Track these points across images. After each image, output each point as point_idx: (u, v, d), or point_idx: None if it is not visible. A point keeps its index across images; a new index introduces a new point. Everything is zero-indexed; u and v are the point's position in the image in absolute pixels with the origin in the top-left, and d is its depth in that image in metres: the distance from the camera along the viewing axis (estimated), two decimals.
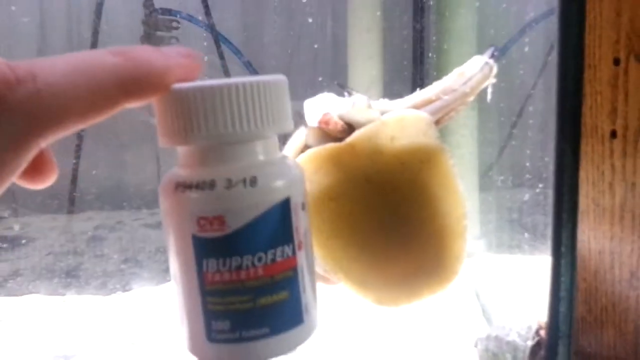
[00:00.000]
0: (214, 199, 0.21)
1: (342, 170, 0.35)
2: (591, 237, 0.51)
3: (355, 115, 0.35)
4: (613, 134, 0.47)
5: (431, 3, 0.67)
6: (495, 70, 0.34)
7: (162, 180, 0.22)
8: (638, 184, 0.45)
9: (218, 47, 0.91)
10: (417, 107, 0.34)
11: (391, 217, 0.35)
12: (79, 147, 1.13)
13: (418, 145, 0.35)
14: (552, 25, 0.56)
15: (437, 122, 0.34)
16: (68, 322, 0.69)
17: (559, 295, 0.36)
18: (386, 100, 0.35)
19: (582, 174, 0.50)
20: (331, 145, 0.34)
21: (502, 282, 0.50)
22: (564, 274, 0.36)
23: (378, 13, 0.62)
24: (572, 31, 0.49)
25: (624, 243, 0.47)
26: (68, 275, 0.91)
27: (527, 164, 0.80)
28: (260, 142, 0.22)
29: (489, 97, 0.35)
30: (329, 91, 0.36)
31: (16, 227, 1.07)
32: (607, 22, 0.47)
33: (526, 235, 0.64)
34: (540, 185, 0.78)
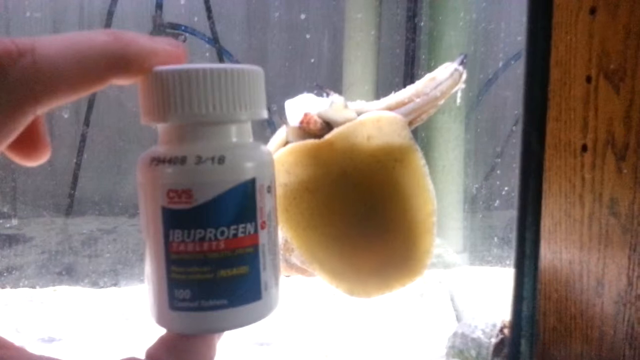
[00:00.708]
0: (184, 174, 0.22)
1: (320, 165, 0.37)
2: (563, 247, 0.53)
3: (333, 115, 0.37)
4: (584, 148, 0.50)
5: (422, 25, 0.71)
6: (464, 76, 0.37)
7: (141, 155, 0.24)
8: (605, 195, 0.47)
9: (221, 60, 0.94)
10: (391, 108, 0.37)
11: (365, 211, 0.37)
12: (80, 153, 1.16)
13: (393, 145, 0.37)
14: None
15: (410, 123, 0.37)
16: (57, 310, 0.71)
17: (522, 295, 0.38)
18: (362, 101, 0.38)
19: (555, 187, 0.53)
20: (311, 141, 0.37)
21: (476, 289, 0.52)
22: (527, 274, 0.38)
23: (373, 32, 0.65)
24: (540, 55, 0.51)
25: (591, 252, 0.49)
26: (61, 273, 0.92)
27: (513, 188, 0.83)
28: (232, 125, 0.23)
29: (458, 101, 0.37)
30: (308, 92, 0.38)
31: (13, 223, 1.08)
32: (580, 43, 0.49)
33: (507, 250, 0.66)
34: None
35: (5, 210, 1.08)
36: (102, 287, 0.77)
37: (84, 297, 0.74)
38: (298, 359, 0.42)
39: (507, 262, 0.65)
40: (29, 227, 1.11)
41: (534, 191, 0.40)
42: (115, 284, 0.76)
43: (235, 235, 0.22)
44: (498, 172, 0.83)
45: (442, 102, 0.37)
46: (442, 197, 0.36)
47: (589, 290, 0.49)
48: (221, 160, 0.22)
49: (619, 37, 0.46)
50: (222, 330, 0.23)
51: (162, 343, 0.23)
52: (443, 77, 0.36)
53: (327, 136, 0.37)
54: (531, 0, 0.44)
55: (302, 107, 0.38)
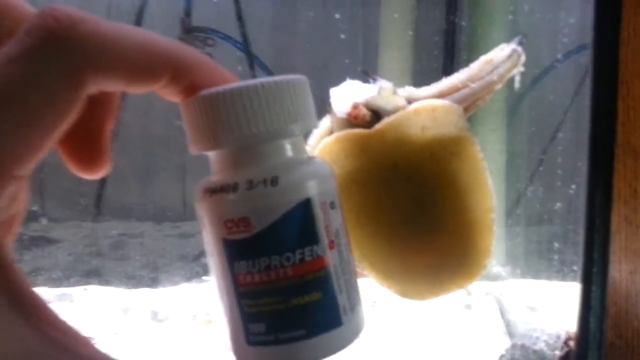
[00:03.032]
0: (237, 201, 0.21)
1: (370, 156, 0.34)
2: (622, 257, 0.49)
3: (381, 102, 0.35)
4: None
5: (462, 24, 0.68)
6: (523, 58, 0.34)
7: (196, 187, 0.23)
8: None
9: (251, 67, 0.93)
10: (444, 94, 0.34)
11: (418, 207, 0.35)
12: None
13: (449, 137, 0.34)
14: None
15: (464, 110, 0.34)
16: (88, 308, 0.70)
17: (590, 304, 0.35)
18: (411, 87, 0.35)
19: (614, 192, 0.49)
20: (360, 130, 0.34)
21: (527, 301, 0.49)
22: (595, 283, 0.35)
23: (410, 32, 0.63)
24: (606, 47, 0.48)
25: None
26: (88, 274, 0.92)
27: (555, 204, 0.79)
28: (283, 141, 0.22)
29: (516, 85, 0.35)
30: (353, 79, 0.36)
31: (43, 223, 1.09)
32: None
33: (552, 264, 0.63)
34: (570, 226, 0.77)
35: (35, 208, 1.09)
36: (132, 287, 0.76)
37: (115, 296, 0.73)
38: None
39: (553, 276, 0.62)
40: (56, 231, 1.11)
41: (603, 198, 0.37)
42: (147, 286, 0.76)
43: (302, 260, 0.21)
44: (539, 181, 0.79)
45: (499, 86, 0.34)
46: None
47: None
48: (274, 181, 0.21)
49: None
50: None
51: None
52: (500, 59, 0.34)
53: (378, 125, 0.34)
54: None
55: (348, 95, 0.36)
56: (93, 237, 1.13)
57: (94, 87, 0.19)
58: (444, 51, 0.65)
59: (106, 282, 0.80)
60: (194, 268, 0.65)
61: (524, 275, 0.65)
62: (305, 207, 0.21)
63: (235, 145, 0.21)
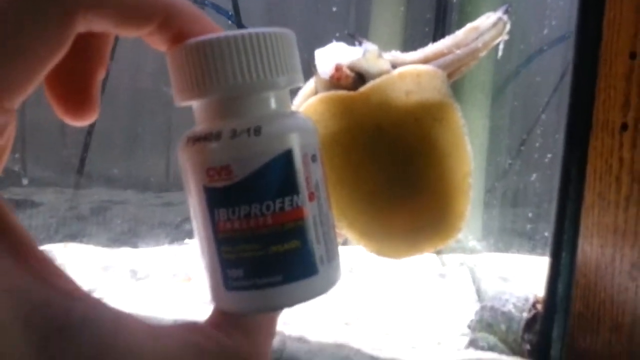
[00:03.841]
0: (220, 149, 0.21)
1: (353, 118, 0.35)
2: (594, 231, 0.51)
3: (366, 65, 0.35)
4: (624, 127, 0.48)
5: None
6: (508, 26, 0.35)
7: (180, 140, 0.23)
8: None
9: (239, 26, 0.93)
10: (429, 59, 0.35)
11: (399, 170, 0.36)
12: (91, 127, 1.15)
13: (432, 102, 0.35)
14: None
15: (448, 76, 0.35)
16: (68, 263, 0.70)
17: (559, 271, 0.36)
18: (397, 52, 0.36)
19: (589, 169, 0.50)
20: (345, 92, 0.35)
21: (499, 272, 0.51)
22: (565, 250, 0.36)
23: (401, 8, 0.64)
24: (590, 26, 0.49)
25: (627, 235, 0.47)
26: (70, 237, 0.92)
27: (534, 184, 0.80)
28: (268, 93, 0.22)
29: (499, 53, 0.35)
30: (338, 41, 0.36)
31: (24, 183, 1.07)
32: (626, 18, 0.47)
33: (527, 239, 0.64)
34: (546, 205, 0.78)
35: (16, 169, 1.08)
36: (114, 247, 0.76)
37: (95, 254, 0.73)
38: (319, 323, 0.40)
39: (527, 251, 0.63)
40: (37, 195, 1.10)
41: (577, 171, 0.38)
42: (129, 246, 0.76)
43: (281, 209, 0.21)
44: (520, 160, 0.81)
45: (483, 53, 0.35)
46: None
47: (622, 274, 0.47)
48: (257, 131, 0.21)
49: None
50: (280, 307, 0.23)
51: (222, 316, 0.22)
52: (485, 27, 0.34)
53: (363, 88, 0.35)
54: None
55: (333, 57, 0.36)
56: (75, 202, 1.12)
57: (83, 25, 0.19)
58: (434, 27, 0.65)
59: (87, 243, 0.81)
60: (176, 234, 0.65)
61: (498, 249, 0.66)
62: (287, 157, 0.21)
63: (220, 94, 0.21)
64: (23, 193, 1.13)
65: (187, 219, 0.77)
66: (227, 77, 0.21)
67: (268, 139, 0.21)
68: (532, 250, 0.57)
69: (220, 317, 0.22)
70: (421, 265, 0.52)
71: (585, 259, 0.50)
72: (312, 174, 0.22)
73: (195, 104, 0.22)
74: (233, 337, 0.21)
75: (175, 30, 0.21)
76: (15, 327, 0.17)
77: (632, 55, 0.47)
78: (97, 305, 0.19)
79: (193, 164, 0.21)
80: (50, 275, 0.19)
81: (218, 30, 0.22)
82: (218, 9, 0.93)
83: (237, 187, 0.21)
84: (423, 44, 0.38)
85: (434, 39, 0.37)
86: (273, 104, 0.22)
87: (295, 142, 0.21)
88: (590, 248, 0.50)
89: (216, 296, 0.23)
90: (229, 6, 0.91)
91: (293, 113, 0.23)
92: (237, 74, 0.21)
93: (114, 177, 1.16)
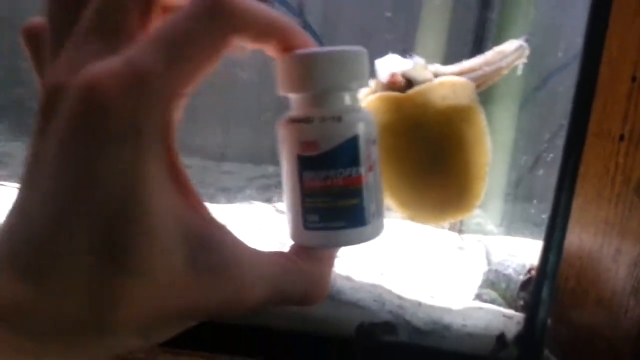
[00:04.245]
0: (312, 129, 0.28)
1: (401, 114, 0.46)
2: (591, 222, 0.61)
3: (414, 74, 0.46)
4: (621, 137, 0.57)
5: (493, 17, 0.78)
6: (527, 52, 0.45)
7: (279, 118, 0.30)
8: (633, 178, 0.55)
9: (305, 28, 1.02)
10: (463, 73, 0.45)
11: (432, 156, 0.47)
12: None
13: (462, 106, 0.46)
14: None
15: (477, 87, 0.45)
16: None
17: (551, 245, 0.47)
18: (439, 64, 0.47)
19: (592, 170, 0.60)
20: (396, 93, 0.46)
21: (508, 249, 0.61)
22: (557, 229, 0.47)
23: (448, 12, 0.73)
24: (596, 53, 0.58)
25: (615, 225, 0.56)
26: None
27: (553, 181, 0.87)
28: (345, 93, 0.29)
29: (519, 72, 0.45)
30: (394, 53, 0.47)
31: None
32: (632, 45, 0.57)
33: (541, 229, 0.73)
34: None
35: None
36: None
37: None
38: (361, 269, 0.51)
39: (539, 238, 0.73)
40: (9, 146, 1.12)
41: (573, 163, 0.48)
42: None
43: (350, 175, 0.28)
44: (546, 160, 0.89)
45: (505, 72, 0.45)
46: (488, 174, 0.43)
47: (608, 258, 0.58)
48: (339, 119, 0.28)
49: None
50: (341, 245, 0.29)
51: (300, 248, 0.29)
52: (509, 51, 0.45)
53: (410, 91, 0.46)
54: (592, 4, 0.51)
55: (389, 65, 0.47)
56: None
57: (233, 42, 0.23)
58: (472, 43, 0.74)
59: None
60: (237, 197, 0.76)
61: (512, 233, 0.76)
62: (356, 140, 0.28)
63: (313, 91, 0.28)
64: None
65: (246, 187, 0.88)
66: (319, 80, 0.28)
67: (345, 125, 0.28)
68: (539, 236, 0.65)
69: (298, 250, 0.29)
70: (445, 240, 0.63)
71: (581, 245, 0.61)
72: (371, 153, 0.29)
73: (293, 96, 0.30)
74: (307, 263, 0.28)
75: (286, 44, 0.27)
76: (176, 242, 0.22)
77: (633, 79, 0.57)
78: (225, 231, 0.25)
79: (291, 137, 0.28)
80: (198, 206, 0.25)
81: (312, 44, 0.29)
82: (285, 4, 1.03)
83: (321, 157, 0.28)
84: (462, 56, 0.48)
85: (472, 54, 0.47)
86: (348, 100, 0.29)
87: (362, 130, 0.28)
88: (587, 236, 0.60)
89: (296, 234, 0.29)
90: (293, 2, 1.01)
91: (361, 108, 0.30)
92: (326, 78, 0.28)
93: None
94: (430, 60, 0.48)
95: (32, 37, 0.25)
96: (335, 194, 0.28)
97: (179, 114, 0.25)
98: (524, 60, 0.45)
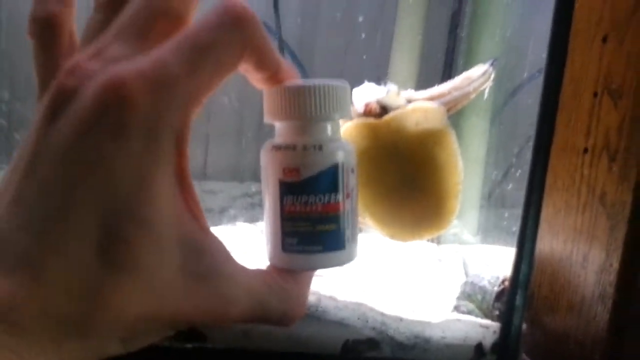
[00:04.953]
0: (294, 156, 0.29)
1: (377, 139, 0.48)
2: (560, 230, 0.64)
3: (388, 101, 0.48)
4: (585, 150, 0.61)
5: (463, 35, 0.81)
6: (492, 76, 0.48)
7: (264, 145, 0.31)
8: (597, 188, 0.58)
9: (281, 52, 1.05)
10: (434, 98, 0.48)
11: (407, 177, 0.49)
12: None
13: (434, 130, 0.48)
14: None
15: (447, 111, 0.48)
16: None
17: (522, 255, 0.50)
18: (411, 90, 0.49)
19: (560, 182, 0.64)
20: (372, 120, 0.48)
21: (485, 258, 0.63)
22: (527, 240, 0.49)
23: (419, 37, 0.76)
24: (558, 71, 0.60)
25: (582, 233, 0.60)
26: None
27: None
28: (328, 123, 0.31)
29: (485, 96, 0.48)
30: (369, 81, 0.50)
31: None
32: (592, 64, 0.60)
33: (513, 237, 0.76)
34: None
35: None
36: None
37: None
38: (344, 288, 0.53)
39: (511, 245, 0.76)
40: None
41: (540, 174, 0.51)
42: None
43: (328, 201, 0.30)
44: (515, 172, 0.93)
45: (473, 96, 0.48)
46: (463, 187, 0.46)
47: (577, 264, 0.61)
48: (320, 148, 0.30)
49: (622, 62, 0.57)
50: (318, 268, 0.31)
51: (278, 269, 0.30)
52: (476, 75, 0.48)
53: (385, 117, 0.48)
54: (553, 26, 0.54)
55: (365, 94, 0.50)
56: None
57: (243, 61, 0.24)
58: (443, 67, 0.77)
59: None
60: (221, 218, 0.78)
61: (487, 242, 0.80)
62: (335, 168, 0.30)
63: (298, 120, 0.30)
64: None
65: (229, 207, 0.90)
66: (304, 111, 0.30)
67: (326, 154, 0.30)
68: (513, 244, 0.68)
69: (276, 270, 0.30)
70: (424, 251, 0.65)
71: (552, 252, 0.64)
72: (350, 181, 0.31)
73: (278, 124, 0.32)
74: (287, 283, 0.30)
75: (278, 76, 0.28)
76: (172, 246, 0.22)
77: (595, 95, 0.60)
78: (218, 242, 0.26)
79: (274, 163, 0.30)
80: (198, 213, 0.25)
81: (298, 77, 0.30)
82: (265, 25, 1.06)
83: (302, 183, 0.29)
84: (435, 73, 0.51)
85: (443, 71, 0.50)
86: (330, 130, 0.31)
87: (341, 159, 0.31)
88: (557, 244, 0.64)
89: (274, 256, 0.31)
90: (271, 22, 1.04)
91: (341, 138, 0.33)
92: (310, 109, 0.30)
93: None
94: (403, 80, 0.51)
95: (47, 29, 0.25)
96: (314, 219, 0.29)
97: (196, 115, 0.25)
98: (489, 84, 0.48)
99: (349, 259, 0.31)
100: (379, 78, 0.51)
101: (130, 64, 0.20)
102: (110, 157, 0.20)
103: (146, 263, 0.20)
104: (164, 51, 0.21)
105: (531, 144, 0.59)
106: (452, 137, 0.49)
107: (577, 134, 0.62)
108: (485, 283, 0.51)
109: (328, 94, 0.30)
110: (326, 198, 0.29)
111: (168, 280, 0.21)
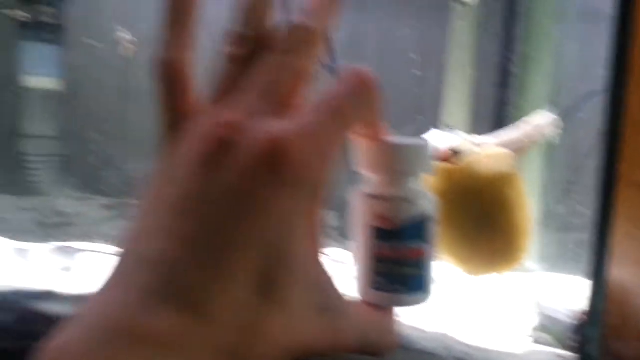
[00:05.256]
0: (387, 206, 0.31)
1: (452, 182, 0.53)
2: (629, 263, 0.66)
3: (462, 148, 0.53)
4: None
5: (514, 70, 0.84)
6: (561, 126, 0.52)
7: (354, 191, 0.33)
8: None
9: (332, 74, 1.08)
10: (505, 144, 0.53)
11: (481, 216, 0.54)
12: None
13: (505, 174, 0.53)
14: None
15: (515, 156, 0.53)
16: None
17: (599, 290, 0.53)
18: (483, 137, 0.54)
19: (623, 216, 0.66)
20: (449, 165, 0.53)
21: (552, 288, 0.66)
22: (599, 275, 0.53)
23: (470, 72, 0.80)
24: (617, 111, 0.62)
25: None
26: None
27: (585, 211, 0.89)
28: (416, 177, 0.33)
29: (556, 141, 0.52)
30: (435, 128, 0.54)
31: None
32: None
33: (575, 264, 0.77)
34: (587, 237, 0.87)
35: None
36: None
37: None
38: (429, 319, 0.56)
39: (576, 273, 0.78)
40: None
41: (607, 214, 0.54)
42: None
43: (414, 247, 0.32)
44: (572, 197, 0.94)
45: (541, 143, 0.53)
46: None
47: None
48: (410, 200, 0.32)
49: None
50: (401, 306, 0.33)
51: (367, 303, 0.31)
52: (545, 124, 0.52)
53: (461, 164, 0.53)
54: (611, 66, 0.56)
55: (438, 142, 0.55)
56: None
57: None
58: (499, 84, 0.79)
59: None
60: None
61: (552, 270, 0.82)
62: (423, 218, 0.32)
63: (392, 174, 0.33)
64: None
65: None
66: (396, 166, 0.32)
67: (414, 206, 0.32)
68: (579, 271, 0.70)
69: (367, 305, 0.31)
70: (493, 282, 0.69)
71: (622, 283, 0.66)
72: (433, 229, 0.33)
73: (371, 175, 0.33)
74: (381, 315, 0.31)
75: (375, 133, 0.30)
76: (310, 285, 0.24)
77: None
78: (333, 278, 0.27)
79: (367, 210, 0.31)
80: (321, 253, 0.27)
81: (388, 134, 0.31)
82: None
83: (392, 231, 0.32)
84: (487, 116, 0.55)
85: (496, 115, 0.54)
86: (417, 184, 0.33)
87: (427, 209, 0.33)
88: (627, 277, 0.66)
89: (364, 292, 0.33)
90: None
91: (426, 191, 0.34)
92: (401, 164, 0.32)
93: None
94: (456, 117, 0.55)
95: (177, 72, 0.27)
96: (401, 262, 0.32)
97: None
98: (558, 132, 0.52)
99: (426, 299, 0.34)
100: (449, 126, 0.56)
101: (287, 126, 0.23)
102: (270, 205, 0.22)
103: (293, 302, 0.23)
104: (313, 115, 0.24)
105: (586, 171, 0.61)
106: (520, 179, 0.53)
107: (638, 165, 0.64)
108: (560, 315, 0.54)
109: (416, 151, 0.33)
110: (413, 244, 0.32)
111: (307, 317, 0.24)
